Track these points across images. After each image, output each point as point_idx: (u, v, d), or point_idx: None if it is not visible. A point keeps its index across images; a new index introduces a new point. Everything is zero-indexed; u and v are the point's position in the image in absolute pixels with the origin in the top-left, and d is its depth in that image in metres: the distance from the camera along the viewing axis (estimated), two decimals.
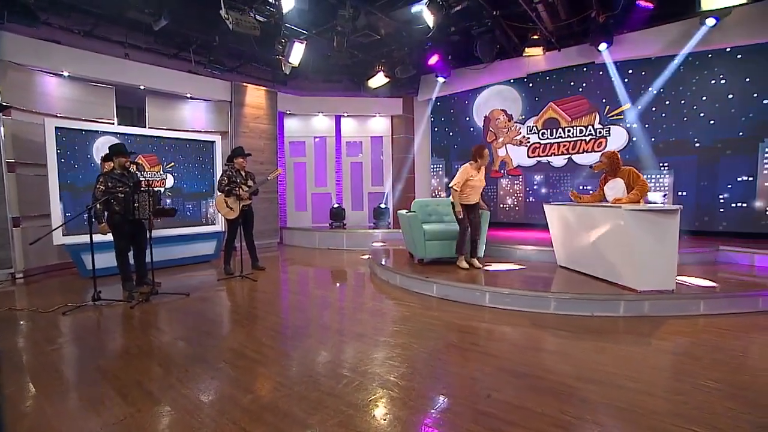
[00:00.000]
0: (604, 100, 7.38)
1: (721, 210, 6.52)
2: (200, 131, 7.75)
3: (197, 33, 7.04)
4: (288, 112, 9.42)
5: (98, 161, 5.80)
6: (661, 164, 6.96)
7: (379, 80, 8.45)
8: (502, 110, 8.60)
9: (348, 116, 9.81)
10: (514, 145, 8.48)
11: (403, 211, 5.72)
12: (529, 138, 8.23)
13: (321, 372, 2.80)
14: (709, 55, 6.51)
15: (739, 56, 6.34)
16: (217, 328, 3.76)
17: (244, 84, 8.31)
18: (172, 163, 6.67)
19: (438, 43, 7.93)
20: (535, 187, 8.29)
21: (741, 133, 6.38)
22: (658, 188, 7.07)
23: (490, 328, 3.70)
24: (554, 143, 7.98)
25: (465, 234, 5.27)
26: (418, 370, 2.79)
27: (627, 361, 2.93)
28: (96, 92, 6.56)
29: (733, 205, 6.45)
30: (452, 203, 5.20)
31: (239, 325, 3.85)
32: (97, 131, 5.91)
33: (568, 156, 7.84)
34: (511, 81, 8.37)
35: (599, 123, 7.46)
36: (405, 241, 5.88)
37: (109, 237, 4.68)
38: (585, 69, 7.39)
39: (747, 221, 6.33)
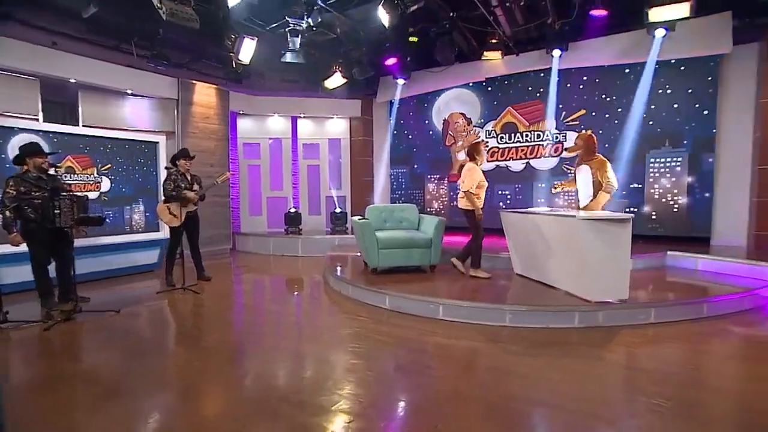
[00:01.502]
0: (560, 106, 7.43)
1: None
2: (143, 131, 7.20)
3: (138, 23, 6.51)
4: (241, 112, 8.98)
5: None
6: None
7: (336, 81, 8.16)
8: (461, 114, 8.53)
9: (305, 117, 9.47)
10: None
11: (356, 218, 5.48)
12: (488, 142, 8.20)
13: (248, 403, 2.50)
14: (656, 66, 6.66)
15: (682, 68, 6.54)
16: (145, 351, 3.37)
17: (193, 81, 7.82)
18: (109, 165, 6.12)
19: (397, 45, 7.75)
20: (494, 191, 8.25)
21: (685, 141, 6.57)
22: (567, 193, 7.26)
23: (443, 344, 3.52)
24: (513, 147, 7.98)
25: (480, 245, 4.99)
26: (361, 401, 2.54)
27: (581, 380, 2.81)
28: (16, 84, 5.88)
29: (630, 209, 6.70)
30: (466, 210, 4.92)
31: (171, 346, 3.48)
32: (13, 128, 5.28)
33: (526, 161, 7.86)
34: (470, 84, 8.32)
35: (556, 128, 7.52)
36: (360, 248, 5.64)
37: (24, 248, 4.15)
38: (542, 74, 7.41)
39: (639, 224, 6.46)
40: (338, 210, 8.80)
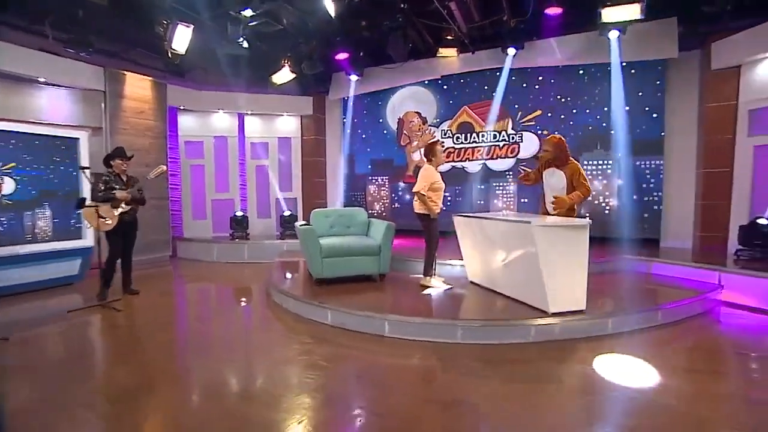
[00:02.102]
0: (516, 106, 7.25)
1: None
2: (62, 125, 6.35)
3: (54, 3, 5.70)
4: (182, 107, 8.23)
5: None
6: None
7: (284, 76, 7.62)
8: (417, 112, 8.21)
9: (252, 115, 8.83)
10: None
11: (300, 223, 4.98)
12: (443, 142, 7.91)
13: None
14: (609, 68, 6.58)
15: (632, 71, 6.49)
16: (27, 390, 2.74)
17: (123, 72, 7.02)
18: (12, 164, 5.30)
19: (348, 39, 7.31)
20: (449, 193, 7.96)
21: (636, 144, 6.54)
22: (504, 195, 7.37)
23: (387, 369, 3.12)
24: (469, 148, 7.72)
25: (433, 252, 4.65)
26: None
27: (535, 407, 2.49)
28: None
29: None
30: (420, 214, 4.58)
31: (63, 381, 2.87)
32: None
33: (482, 162, 7.62)
34: (426, 82, 8.00)
35: (512, 129, 7.32)
36: (304, 257, 5.15)
37: None
38: (498, 74, 7.19)
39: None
40: (288, 213, 8.24)
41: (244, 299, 5.36)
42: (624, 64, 6.48)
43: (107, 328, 4.05)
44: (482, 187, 7.66)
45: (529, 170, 4.57)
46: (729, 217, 5.93)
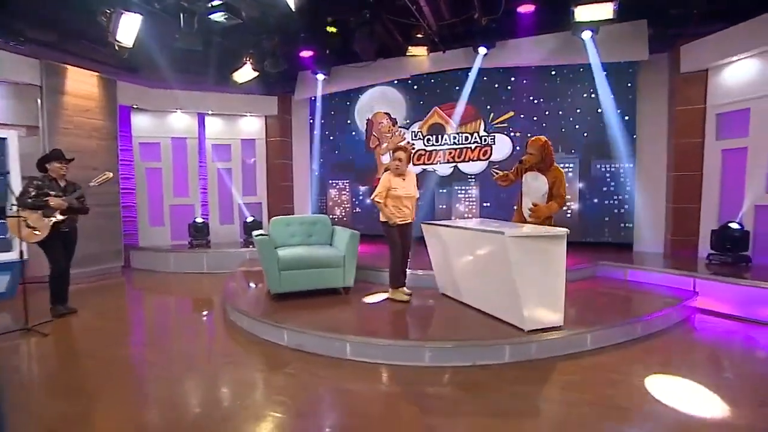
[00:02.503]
0: (488, 107, 7.00)
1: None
2: None
3: None
4: (135, 106, 7.60)
5: None
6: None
7: (246, 74, 7.12)
8: (386, 113, 7.86)
9: (213, 115, 8.27)
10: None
11: (256, 233, 4.51)
12: (414, 144, 7.59)
13: None
14: (581, 69, 6.44)
15: (605, 73, 6.34)
16: None
17: (64, 65, 6.36)
18: None
19: (313, 35, 6.90)
20: (424, 197, 7.63)
21: (609, 147, 6.40)
22: (467, 199, 7.17)
23: (346, 398, 2.73)
24: (440, 150, 7.43)
25: (395, 261, 4.30)
26: None
27: None
28: None
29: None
30: (381, 221, 4.27)
31: None
32: None
33: (453, 164, 7.34)
34: (395, 82, 7.66)
35: (484, 130, 7.07)
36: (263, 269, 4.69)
37: None
38: (470, 74, 6.93)
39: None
40: (251, 219, 7.73)
41: (195, 317, 4.86)
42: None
43: (24, 358, 3.50)
44: (444, 190, 7.39)
45: (504, 171, 4.28)
46: (699, 221, 5.85)
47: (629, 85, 6.26)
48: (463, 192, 7.32)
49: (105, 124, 6.87)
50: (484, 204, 7.19)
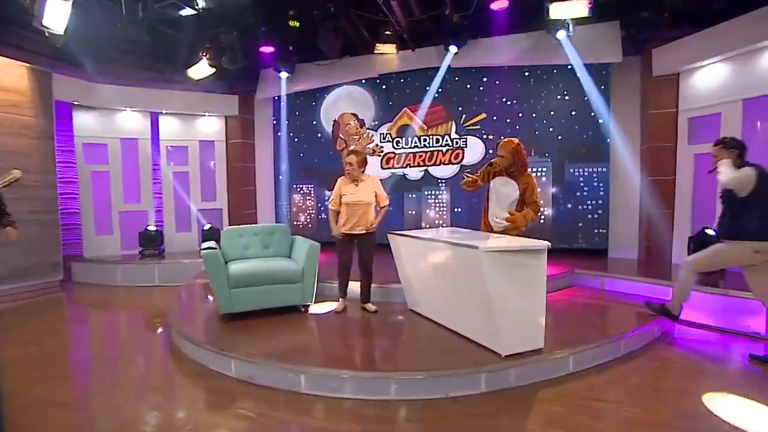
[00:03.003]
0: (460, 108, 6.69)
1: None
2: None
3: None
4: (76, 103, 6.87)
5: None
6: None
7: (202, 70, 6.55)
8: (353, 114, 7.43)
9: (168, 114, 7.62)
10: (366, 154, 7.33)
11: (204, 246, 3.98)
12: (382, 147, 7.21)
13: None
14: (554, 71, 6.24)
15: (577, 75, 6.15)
16: None
17: None
18: None
19: (275, 30, 6.42)
20: (396, 203, 7.22)
21: (583, 150, 6.22)
22: (438, 205, 6.92)
23: None
24: (410, 153, 7.07)
25: (341, 273, 4.03)
26: None
27: None
28: None
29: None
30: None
31: None
32: None
33: (424, 168, 6.99)
34: (363, 81, 7.25)
35: (456, 132, 6.76)
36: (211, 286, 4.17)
37: None
38: (439, 71, 6.60)
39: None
40: (208, 226, 7.14)
41: (135, 341, 4.28)
42: (569, 66, 6.14)
43: None
44: (413, 195, 7.05)
45: (474, 176, 3.94)
46: (672, 227, 5.72)
47: (603, 87, 6.07)
48: (433, 197, 6.99)
49: (37, 121, 6.12)
50: (456, 210, 6.89)
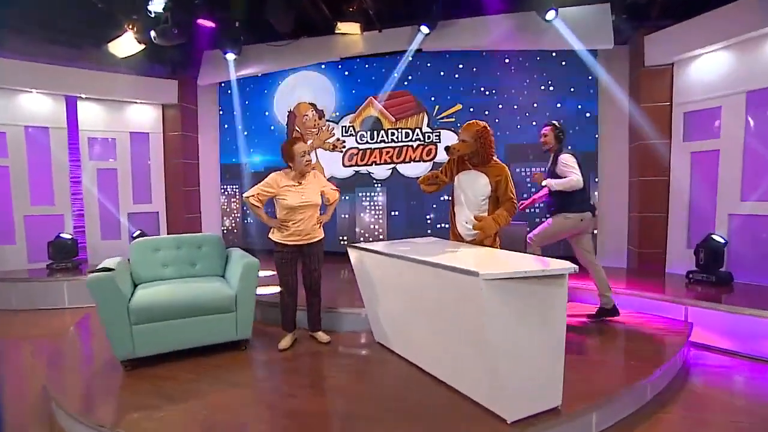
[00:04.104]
0: (433, 98, 5.85)
1: (428, 231, 5.79)
2: None
3: None
4: None
5: None
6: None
7: (127, 45, 5.37)
8: (311, 104, 6.44)
9: (89, 99, 6.33)
10: (326, 150, 6.40)
11: (100, 266, 2.87)
12: (344, 142, 6.27)
13: None
14: (538, 58, 5.52)
15: (563, 63, 5.47)
16: None
17: None
18: None
19: (215, 1, 5.36)
20: (353, 207, 6.32)
21: (569, 147, 5.52)
22: (373, 208, 6.22)
23: None
24: (376, 149, 6.16)
25: (286, 299, 3.12)
26: None
27: None
28: None
29: (438, 226, 5.82)
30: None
31: None
32: None
33: (392, 166, 6.11)
34: (322, 66, 6.28)
35: (428, 126, 5.92)
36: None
37: None
38: (411, 58, 5.75)
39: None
40: (137, 232, 5.93)
41: (16, 388, 3.12)
42: (554, 54, 5.47)
43: None
44: (346, 198, 6.19)
45: (431, 172, 3.17)
46: (666, 232, 5.13)
47: (590, 78, 5.41)
48: (367, 199, 6.18)
49: None
50: (393, 213, 6.13)
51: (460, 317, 2.19)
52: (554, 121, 3.82)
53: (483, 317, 1.98)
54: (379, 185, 6.13)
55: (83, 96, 6.25)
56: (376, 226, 6.18)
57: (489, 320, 1.97)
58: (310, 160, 3.08)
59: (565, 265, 2.01)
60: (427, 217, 5.97)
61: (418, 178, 3.35)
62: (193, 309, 2.85)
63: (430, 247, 2.85)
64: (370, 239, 6.20)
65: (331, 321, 3.51)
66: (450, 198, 3.20)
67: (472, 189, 2.95)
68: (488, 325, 1.98)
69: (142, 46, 5.45)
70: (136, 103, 6.62)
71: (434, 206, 5.90)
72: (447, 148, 2.95)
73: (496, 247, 2.90)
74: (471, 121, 3.02)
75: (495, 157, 3.02)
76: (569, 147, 5.40)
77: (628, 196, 5.53)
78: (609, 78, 5.41)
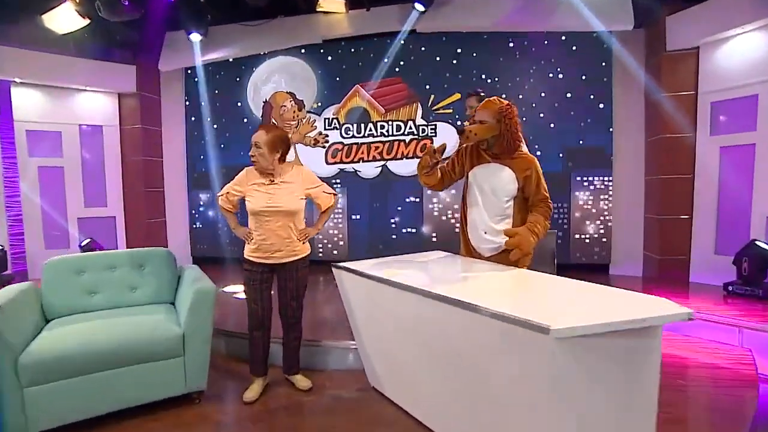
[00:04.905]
0: (428, 87, 5.14)
1: (393, 237, 5.36)
2: None
3: None
4: None
5: None
6: None
7: (67, 18, 4.51)
8: (290, 93, 5.62)
9: (27, 85, 5.37)
10: (306, 145, 5.61)
11: None
12: (328, 136, 5.50)
13: None
14: (546, 42, 4.89)
15: (574, 48, 4.85)
16: None
17: None
18: None
19: None
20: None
21: (581, 141, 4.92)
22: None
23: None
24: (363, 144, 5.42)
25: (255, 331, 2.39)
26: None
27: None
28: None
29: (404, 230, 5.37)
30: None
31: None
32: None
33: (382, 163, 5.38)
34: (302, 51, 5.49)
35: (422, 117, 5.20)
36: None
37: None
38: (404, 41, 5.03)
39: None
40: (86, 241, 5.05)
41: None
42: (564, 38, 4.84)
43: None
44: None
45: (432, 148, 2.31)
46: (690, 237, 4.55)
47: (604, 64, 4.80)
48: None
49: None
50: (354, 217, 5.48)
51: (502, 375, 1.47)
52: (479, 89, 3.26)
53: (546, 382, 1.27)
54: (339, 185, 5.45)
55: (18, 80, 5.28)
56: (335, 231, 5.51)
57: (555, 385, 1.26)
58: (254, 158, 2.35)
59: (662, 314, 1.31)
60: (392, 220, 5.38)
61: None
62: (121, 357, 2.05)
63: (444, 269, 2.12)
64: (329, 246, 5.50)
65: (311, 357, 2.76)
66: (461, 201, 2.47)
67: (493, 187, 2.24)
68: (553, 391, 1.27)
69: (86, 21, 4.58)
70: (86, 90, 5.69)
71: (399, 209, 5.34)
72: (460, 131, 2.21)
73: (527, 266, 2.20)
74: (491, 98, 2.30)
75: (523, 146, 2.33)
76: (581, 141, 5.00)
77: (644, 195, 4.95)
78: (625, 65, 4.81)
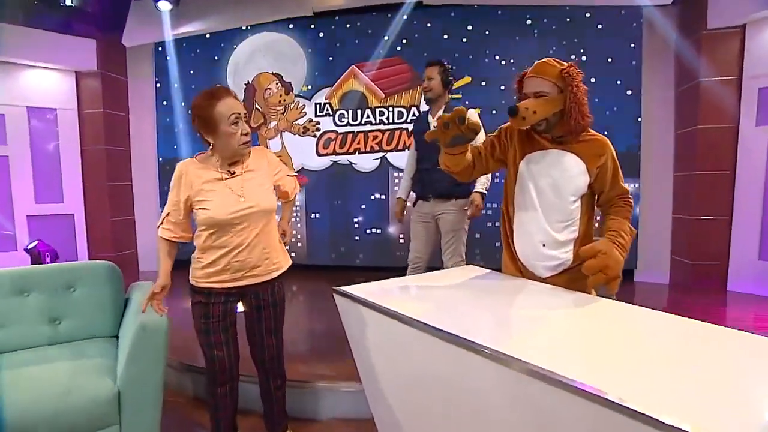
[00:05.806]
0: None
1: (357, 238, 4.89)
2: None
3: None
4: None
5: None
6: None
7: None
8: (276, 75, 4.91)
9: None
10: (294, 133, 4.91)
11: None
12: (319, 123, 4.82)
13: None
14: (568, 19, 4.30)
15: (599, 26, 4.27)
16: None
17: None
18: None
19: None
20: (332, 207, 4.92)
21: (606, 133, 4.33)
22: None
23: None
24: (360, 133, 4.76)
25: (212, 384, 1.67)
26: None
27: None
28: None
29: (368, 231, 4.86)
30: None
31: None
32: None
33: (381, 154, 4.74)
34: (290, 25, 4.78)
35: (426, 104, 4.55)
36: None
37: None
38: (407, 16, 4.38)
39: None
40: (33, 244, 4.28)
41: None
42: (588, 14, 4.25)
43: None
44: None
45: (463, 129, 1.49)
46: (729, 240, 4.03)
47: (633, 45, 4.22)
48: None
49: None
50: (313, 216, 4.92)
51: None
52: (441, 59, 2.85)
53: None
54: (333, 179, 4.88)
55: None
56: (293, 231, 4.85)
57: None
58: (248, 136, 1.63)
59: None
60: (355, 220, 4.86)
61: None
62: (24, 429, 1.37)
63: (496, 301, 1.47)
64: (287, 248, 4.83)
65: (301, 402, 2.11)
66: (503, 202, 1.81)
67: (555, 182, 1.59)
68: None
69: None
70: (36, 67, 4.87)
71: (363, 207, 4.84)
72: (513, 110, 1.54)
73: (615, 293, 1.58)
74: (547, 59, 1.61)
75: (590, 128, 1.69)
76: (605, 133, 4.43)
77: (673, 193, 4.42)
78: (656, 47, 4.26)
